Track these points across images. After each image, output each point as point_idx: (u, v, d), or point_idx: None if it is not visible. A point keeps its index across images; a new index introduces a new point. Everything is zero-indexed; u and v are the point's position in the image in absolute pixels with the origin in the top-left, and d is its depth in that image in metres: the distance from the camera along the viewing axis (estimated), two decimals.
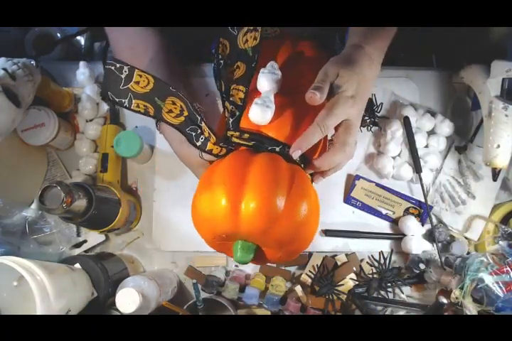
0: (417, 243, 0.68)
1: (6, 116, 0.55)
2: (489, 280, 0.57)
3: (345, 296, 0.66)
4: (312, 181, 0.55)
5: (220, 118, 0.62)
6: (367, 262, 0.69)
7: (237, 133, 0.51)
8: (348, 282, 0.67)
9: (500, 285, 0.56)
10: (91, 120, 0.73)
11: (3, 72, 0.55)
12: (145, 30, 0.64)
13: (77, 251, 0.69)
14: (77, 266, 0.60)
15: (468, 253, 0.68)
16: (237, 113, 0.52)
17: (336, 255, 0.69)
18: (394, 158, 0.71)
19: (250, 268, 0.70)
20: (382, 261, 0.69)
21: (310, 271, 0.68)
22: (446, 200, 0.71)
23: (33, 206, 0.68)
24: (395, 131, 0.70)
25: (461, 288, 0.59)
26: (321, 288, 0.66)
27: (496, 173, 0.64)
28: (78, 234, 0.70)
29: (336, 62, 0.51)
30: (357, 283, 0.67)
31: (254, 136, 0.51)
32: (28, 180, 0.70)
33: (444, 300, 0.55)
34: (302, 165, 0.52)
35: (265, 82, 0.53)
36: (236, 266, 0.71)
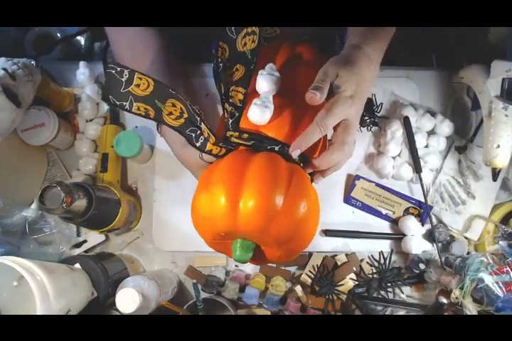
0: (417, 243, 0.68)
1: (6, 116, 0.55)
2: (489, 280, 0.57)
3: (345, 296, 0.67)
4: (312, 181, 0.55)
5: (220, 120, 0.62)
6: (367, 262, 0.69)
7: (237, 134, 0.51)
8: (348, 282, 0.67)
9: (500, 285, 0.56)
10: (91, 120, 0.73)
11: (3, 72, 0.55)
12: (145, 30, 0.64)
13: (77, 251, 0.69)
14: (77, 266, 0.60)
15: (468, 253, 0.68)
16: (237, 114, 0.53)
17: (335, 255, 0.69)
18: (394, 158, 0.71)
19: (250, 268, 0.70)
20: (382, 261, 0.69)
21: (310, 271, 0.68)
22: (446, 200, 0.71)
23: (33, 206, 0.68)
24: (395, 131, 0.70)
25: (461, 288, 0.59)
26: (321, 288, 0.66)
27: (495, 173, 0.64)
28: (78, 234, 0.70)
29: (335, 62, 0.52)
30: (357, 283, 0.67)
31: (254, 135, 0.51)
32: (28, 180, 0.70)
33: (444, 300, 0.55)
34: (302, 165, 0.52)
35: (264, 83, 0.53)
36: (236, 266, 0.71)
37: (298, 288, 0.67)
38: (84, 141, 0.72)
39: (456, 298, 0.59)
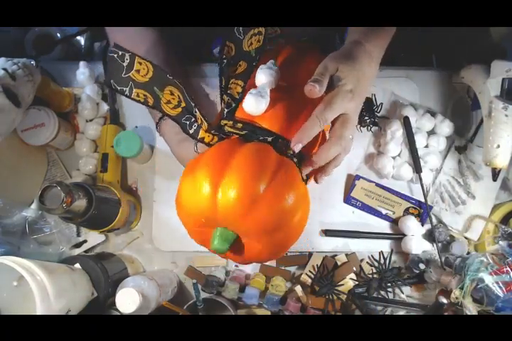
0: (417, 243, 0.68)
1: (6, 116, 0.55)
2: (489, 280, 0.57)
3: (345, 296, 0.67)
4: (316, 181, 0.55)
5: (219, 114, 0.63)
6: (367, 262, 0.69)
7: (231, 122, 0.51)
8: (348, 282, 0.67)
9: (500, 285, 0.56)
10: (91, 120, 0.73)
11: (3, 72, 0.55)
12: (145, 30, 0.64)
13: (77, 251, 0.69)
14: (77, 266, 0.60)
15: (468, 253, 0.68)
16: (233, 104, 0.53)
17: (335, 255, 0.69)
18: (394, 158, 0.71)
19: (250, 268, 0.70)
20: (382, 261, 0.69)
21: (310, 271, 0.68)
22: (446, 200, 0.71)
23: (33, 206, 0.68)
24: (395, 131, 0.70)
25: (461, 288, 0.59)
26: (321, 288, 0.66)
27: (495, 173, 0.64)
28: (78, 234, 0.70)
29: (336, 57, 0.51)
30: (357, 283, 0.67)
31: (247, 125, 0.51)
32: (28, 180, 0.70)
33: (444, 300, 0.55)
34: (297, 162, 0.52)
35: (262, 75, 0.53)
36: (236, 266, 0.71)
37: (298, 288, 0.67)
38: (84, 141, 0.72)
39: (456, 298, 0.59)
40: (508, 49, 0.66)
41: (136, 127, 0.74)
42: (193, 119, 0.52)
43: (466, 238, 0.70)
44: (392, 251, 0.70)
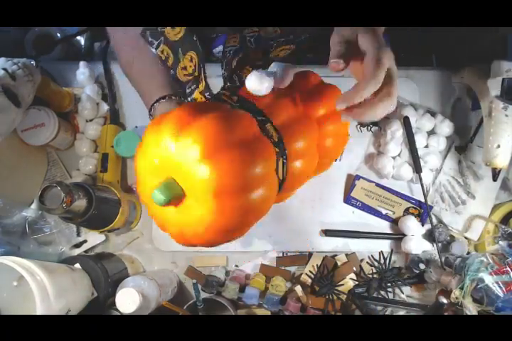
0: (417, 243, 0.68)
1: (6, 116, 0.55)
2: (489, 280, 0.57)
3: (345, 296, 0.67)
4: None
5: None
6: (367, 262, 0.69)
7: (228, 93, 0.52)
8: (348, 282, 0.67)
9: (500, 285, 0.56)
10: (91, 120, 0.73)
11: (3, 72, 0.55)
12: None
13: (77, 251, 0.69)
14: (77, 266, 0.60)
15: (468, 253, 0.68)
16: (238, 83, 0.54)
17: (335, 255, 0.69)
18: (394, 158, 0.71)
19: (250, 268, 0.70)
20: (382, 261, 0.69)
21: (310, 271, 0.68)
22: (446, 200, 0.71)
23: (33, 206, 0.68)
24: (395, 131, 0.70)
25: (461, 288, 0.59)
26: (321, 288, 0.66)
27: (496, 173, 0.64)
28: (78, 234, 0.69)
29: (345, 28, 0.47)
30: (357, 283, 0.67)
31: (244, 102, 0.50)
32: (28, 180, 0.70)
33: (444, 300, 0.55)
34: (277, 150, 0.48)
35: (254, 80, 0.50)
36: (236, 265, 0.71)
37: (298, 288, 0.67)
38: (84, 141, 0.72)
39: (456, 298, 0.59)
40: (508, 49, 0.66)
41: (136, 127, 0.74)
42: (195, 86, 0.53)
43: (466, 238, 0.70)
44: (392, 251, 0.70)
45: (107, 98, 0.74)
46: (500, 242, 0.65)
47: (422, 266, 0.66)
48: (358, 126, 0.73)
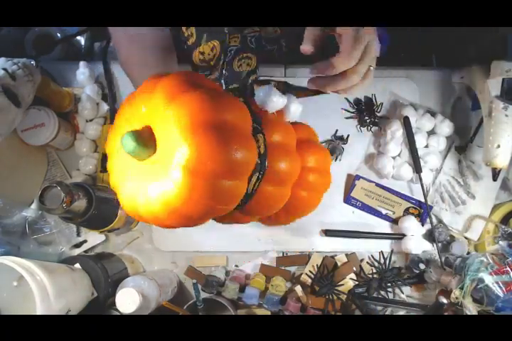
0: (417, 243, 0.68)
1: (6, 116, 0.55)
2: (489, 280, 0.57)
3: (345, 296, 0.67)
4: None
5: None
6: (367, 262, 0.69)
7: (255, 77, 0.54)
8: (348, 282, 0.67)
9: (500, 285, 0.56)
10: (91, 120, 0.73)
11: (3, 72, 0.55)
12: (146, 30, 0.64)
13: (77, 251, 0.69)
14: (77, 266, 0.60)
15: (468, 253, 0.68)
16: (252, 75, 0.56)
17: (335, 255, 0.69)
18: (394, 158, 0.71)
19: (250, 268, 0.70)
20: (382, 261, 0.69)
21: (310, 271, 0.68)
22: (446, 200, 0.71)
23: (33, 206, 0.68)
24: (395, 131, 0.70)
25: (461, 288, 0.59)
26: (321, 288, 0.66)
27: (496, 173, 0.64)
28: (78, 234, 0.70)
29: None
30: (357, 283, 0.67)
31: (248, 104, 0.49)
32: (28, 180, 0.70)
33: (444, 300, 0.55)
34: (262, 151, 0.47)
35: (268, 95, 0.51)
36: (236, 265, 0.71)
37: (298, 288, 0.67)
38: (84, 141, 0.72)
39: (456, 298, 0.59)
40: (508, 49, 0.66)
41: None
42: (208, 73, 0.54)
43: (466, 238, 0.70)
44: (392, 251, 0.70)
45: (107, 98, 0.74)
46: (500, 242, 0.65)
47: (422, 266, 0.66)
48: (358, 126, 0.73)
